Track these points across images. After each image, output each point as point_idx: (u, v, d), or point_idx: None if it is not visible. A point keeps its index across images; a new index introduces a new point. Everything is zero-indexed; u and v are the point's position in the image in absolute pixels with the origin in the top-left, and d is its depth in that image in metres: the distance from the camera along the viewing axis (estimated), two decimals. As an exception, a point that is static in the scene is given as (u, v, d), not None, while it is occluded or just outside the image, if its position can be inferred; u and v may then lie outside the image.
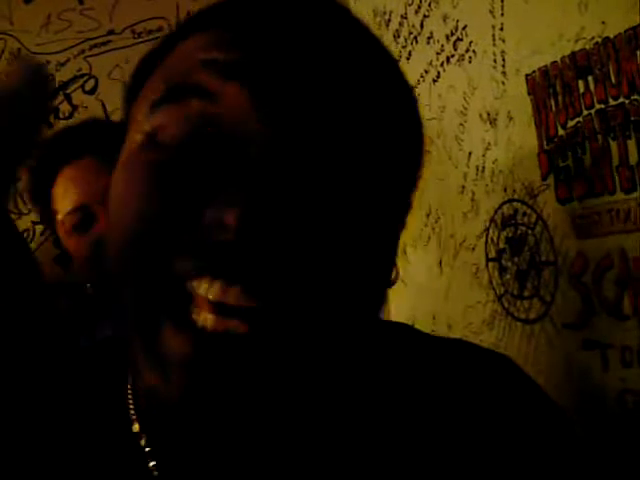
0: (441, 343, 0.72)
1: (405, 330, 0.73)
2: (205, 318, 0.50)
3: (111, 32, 2.23)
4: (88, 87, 2.18)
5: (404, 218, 0.62)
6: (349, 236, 0.52)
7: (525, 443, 0.62)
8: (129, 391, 0.64)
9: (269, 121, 0.51)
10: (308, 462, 0.58)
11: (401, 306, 1.91)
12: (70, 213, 1.40)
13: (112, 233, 0.55)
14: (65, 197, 1.41)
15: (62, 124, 2.05)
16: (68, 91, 2.16)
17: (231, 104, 0.51)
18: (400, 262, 2.08)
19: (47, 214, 1.44)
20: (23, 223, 1.97)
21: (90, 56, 2.20)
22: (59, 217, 1.41)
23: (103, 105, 2.17)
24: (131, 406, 0.63)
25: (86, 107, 2.16)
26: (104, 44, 2.21)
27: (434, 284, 1.73)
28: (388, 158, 0.55)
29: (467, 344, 0.73)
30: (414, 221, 1.78)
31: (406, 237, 1.89)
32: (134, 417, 0.62)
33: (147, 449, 0.61)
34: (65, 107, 2.12)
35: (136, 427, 0.62)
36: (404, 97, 0.60)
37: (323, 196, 0.51)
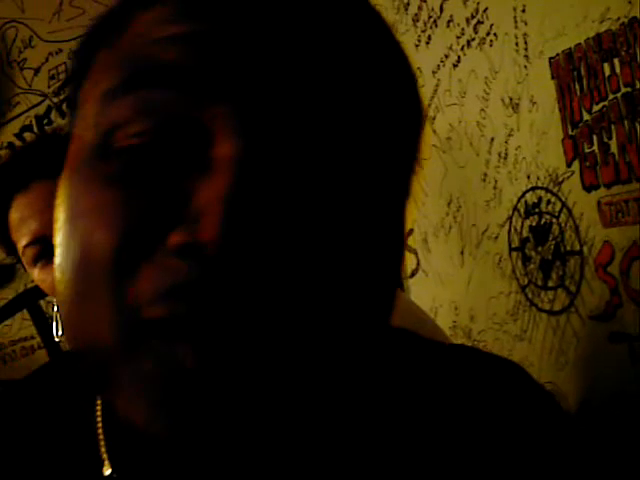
0: (443, 349, 0.67)
1: (404, 335, 0.68)
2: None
3: (125, 20, 2.21)
4: (102, 76, 2.16)
5: (404, 209, 0.55)
6: (347, 232, 0.45)
7: (533, 453, 0.59)
8: (99, 421, 0.54)
9: (250, 119, 0.42)
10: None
11: (422, 297, 1.89)
12: (29, 245, 1.38)
13: (65, 265, 0.46)
14: (22, 227, 1.38)
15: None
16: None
17: (205, 95, 0.43)
18: (421, 252, 2.07)
19: (6, 241, 1.42)
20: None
21: (104, 44, 2.18)
22: (19, 247, 1.40)
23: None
24: (102, 442, 0.53)
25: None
26: (118, 32, 2.19)
27: (456, 274, 1.72)
28: (384, 147, 0.48)
29: (471, 349, 0.68)
30: (435, 210, 1.77)
31: (427, 226, 1.90)
32: (105, 456, 0.53)
33: None
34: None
35: (107, 468, 0.53)
36: (398, 66, 0.53)
37: (317, 202, 0.44)
